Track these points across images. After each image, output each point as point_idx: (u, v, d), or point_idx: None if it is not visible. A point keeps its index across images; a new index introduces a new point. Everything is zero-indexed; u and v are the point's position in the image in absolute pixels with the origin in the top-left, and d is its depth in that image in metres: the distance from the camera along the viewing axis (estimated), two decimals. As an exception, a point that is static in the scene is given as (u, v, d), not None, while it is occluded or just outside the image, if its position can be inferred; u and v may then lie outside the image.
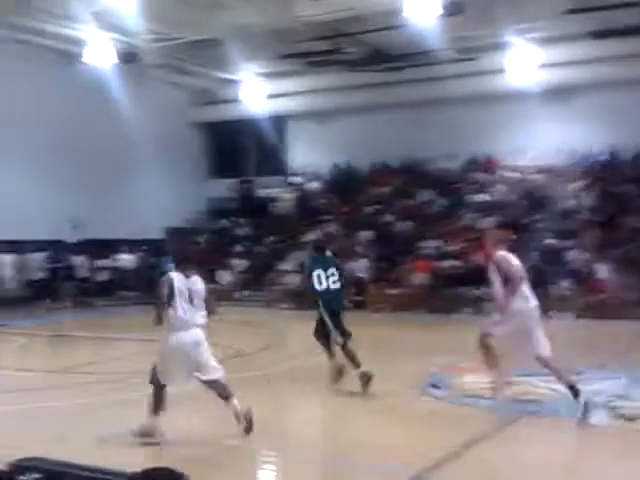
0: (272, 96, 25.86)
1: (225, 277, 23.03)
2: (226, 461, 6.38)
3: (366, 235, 23.14)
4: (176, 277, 6.84)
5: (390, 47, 22.42)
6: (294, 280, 21.01)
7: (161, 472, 2.26)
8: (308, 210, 25.84)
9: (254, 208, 27.23)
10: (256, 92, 25.78)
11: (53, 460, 3.57)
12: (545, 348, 7.73)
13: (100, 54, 20.77)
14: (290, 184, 27.73)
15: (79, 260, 22.49)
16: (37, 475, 3.28)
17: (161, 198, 25.31)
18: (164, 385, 6.83)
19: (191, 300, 6.80)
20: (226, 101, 27.07)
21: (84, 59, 21.07)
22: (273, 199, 27.33)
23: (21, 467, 3.47)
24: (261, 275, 23.23)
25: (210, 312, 6.96)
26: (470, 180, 24.03)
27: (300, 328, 14.08)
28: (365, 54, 22.75)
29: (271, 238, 25.12)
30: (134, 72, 22.84)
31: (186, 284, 6.84)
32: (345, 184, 26.29)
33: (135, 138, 23.69)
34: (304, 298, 14.74)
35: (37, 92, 21.31)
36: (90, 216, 22.48)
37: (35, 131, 21.36)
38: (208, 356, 6.88)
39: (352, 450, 6.73)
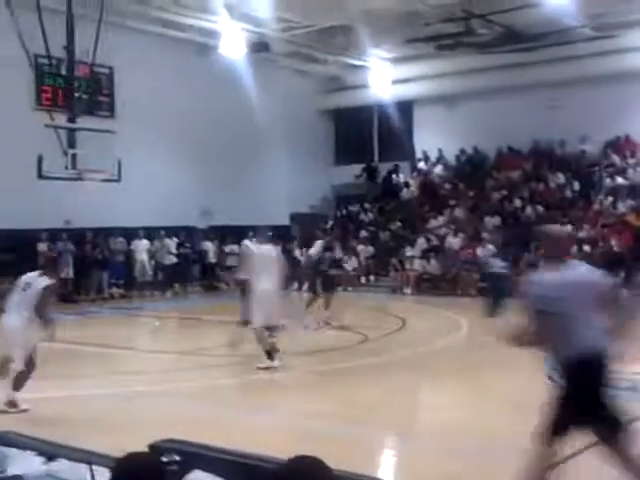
0: (399, 81, 25.64)
1: (351, 263, 23.12)
2: (357, 447, 6.38)
3: (493, 221, 22.61)
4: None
5: (523, 27, 21.69)
6: (420, 266, 20.90)
7: (309, 461, 2.25)
8: (434, 195, 25.53)
9: (380, 194, 27.16)
10: (383, 77, 25.64)
11: (192, 442, 3.66)
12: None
13: (233, 45, 21.23)
14: (416, 169, 27.47)
15: (209, 246, 23.16)
16: (176, 457, 3.35)
17: (288, 185, 25.66)
18: None
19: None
20: (353, 87, 27.08)
21: (219, 50, 21.64)
22: (399, 184, 27.15)
23: (161, 448, 3.56)
24: (386, 261, 23.17)
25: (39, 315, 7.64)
26: (606, 163, 22.99)
27: (424, 313, 13.97)
28: (497, 35, 22.11)
29: (397, 224, 25.00)
30: (264, 61, 23.25)
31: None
32: (472, 169, 25.78)
33: (263, 126, 24.10)
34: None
35: (174, 84, 22.02)
36: (219, 203, 23.14)
37: (171, 122, 22.09)
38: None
39: (490, 437, 6.56)
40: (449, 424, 7.25)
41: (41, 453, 3.75)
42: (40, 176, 14.84)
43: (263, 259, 9.98)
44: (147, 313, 13.80)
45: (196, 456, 3.48)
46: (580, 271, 4.60)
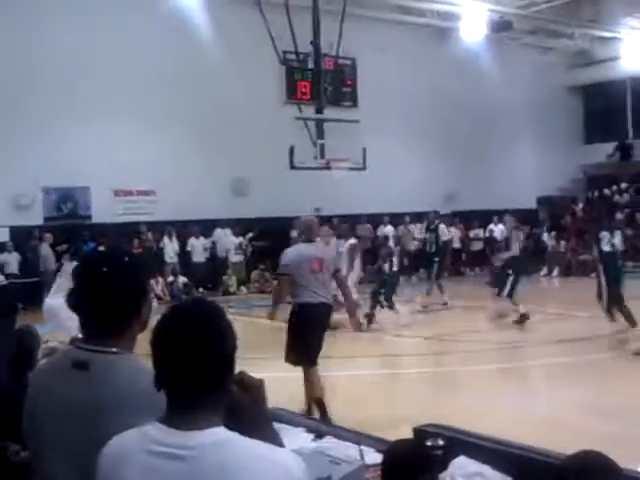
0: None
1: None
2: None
3: None
4: None
5: None
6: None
7: (599, 458, 2.11)
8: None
9: (635, 173, 25.36)
10: (637, 48, 23.87)
11: (456, 428, 3.63)
12: None
13: (473, 26, 20.90)
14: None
15: (452, 231, 22.98)
16: (441, 442, 3.34)
17: (533, 166, 24.82)
18: None
19: None
20: (603, 61, 25.49)
21: (458, 33, 21.41)
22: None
23: (425, 432, 3.58)
24: (644, 245, 21.62)
25: None
26: None
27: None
28: None
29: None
30: (505, 40, 22.63)
31: None
32: None
33: (506, 107, 23.52)
34: None
35: (414, 70, 22.15)
36: (463, 187, 22.91)
37: (411, 108, 22.24)
38: None
39: None
40: None
41: (310, 430, 3.93)
42: (292, 167, 15.59)
43: None
44: (395, 298, 14.12)
45: (461, 442, 3.45)
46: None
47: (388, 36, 21.69)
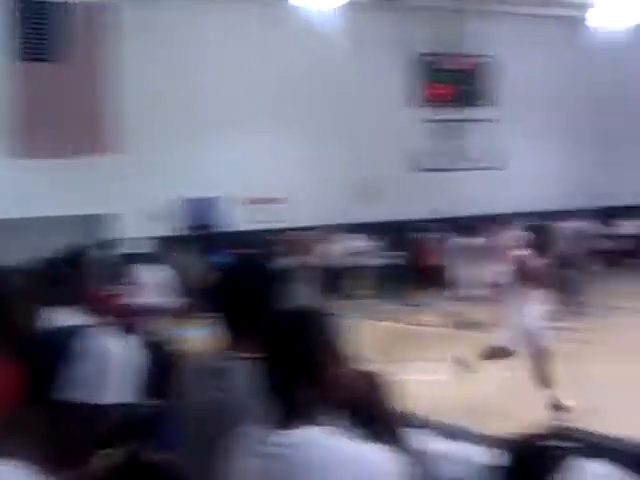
0: None
1: None
2: None
3: None
4: None
5: None
6: None
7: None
8: None
9: None
10: None
11: (583, 429, 3.52)
12: None
13: (605, 15, 20.02)
14: None
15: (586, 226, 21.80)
16: (576, 444, 3.24)
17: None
18: None
19: None
20: None
21: (587, 22, 20.59)
22: None
23: (549, 435, 3.49)
24: None
25: None
26: None
27: None
28: None
29: None
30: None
31: None
32: None
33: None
34: None
35: (549, 63, 21.58)
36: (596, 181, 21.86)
37: (548, 102, 21.58)
38: None
39: None
40: None
41: (443, 434, 3.90)
42: (419, 169, 15.42)
43: None
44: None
45: (596, 446, 3.35)
46: None
47: (523, 31, 21.10)
